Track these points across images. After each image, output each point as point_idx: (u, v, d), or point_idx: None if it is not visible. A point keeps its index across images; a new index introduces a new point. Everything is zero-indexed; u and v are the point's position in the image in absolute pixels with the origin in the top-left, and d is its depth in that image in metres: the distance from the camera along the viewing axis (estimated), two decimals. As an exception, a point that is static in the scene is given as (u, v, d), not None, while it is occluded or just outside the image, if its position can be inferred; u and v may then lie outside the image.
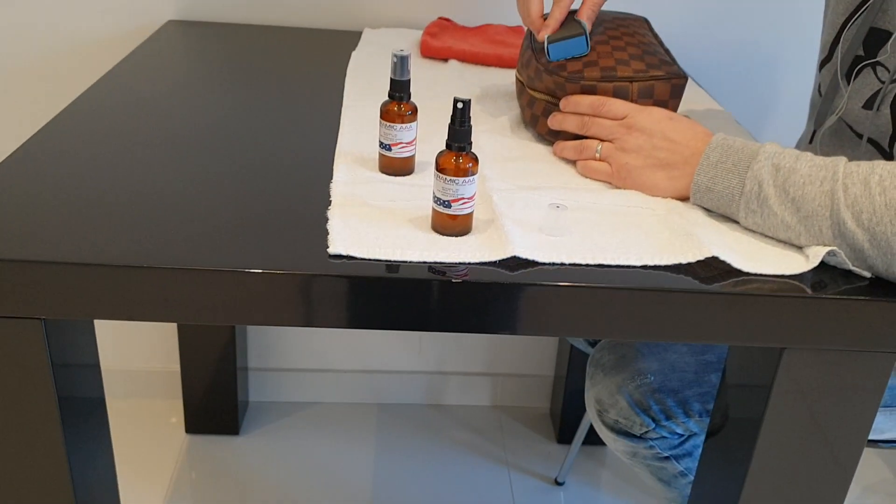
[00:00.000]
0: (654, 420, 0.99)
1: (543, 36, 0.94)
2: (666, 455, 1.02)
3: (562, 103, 0.92)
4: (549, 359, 1.77)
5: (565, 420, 1.68)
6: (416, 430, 1.71)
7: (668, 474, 1.05)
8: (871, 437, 1.02)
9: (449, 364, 1.76)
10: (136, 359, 1.70)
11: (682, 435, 1.01)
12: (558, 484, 1.59)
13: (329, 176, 0.84)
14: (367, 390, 1.76)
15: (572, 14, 0.97)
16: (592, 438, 1.57)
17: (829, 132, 1.00)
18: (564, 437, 1.69)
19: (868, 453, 1.71)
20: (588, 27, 0.95)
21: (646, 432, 1.00)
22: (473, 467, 1.62)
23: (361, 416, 1.73)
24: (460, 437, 1.70)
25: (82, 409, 0.77)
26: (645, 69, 0.90)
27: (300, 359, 1.73)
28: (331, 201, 0.78)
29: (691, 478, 1.03)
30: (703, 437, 1.00)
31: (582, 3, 0.99)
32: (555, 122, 0.92)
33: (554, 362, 1.77)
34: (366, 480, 1.56)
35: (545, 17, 0.97)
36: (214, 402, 1.61)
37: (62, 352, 0.72)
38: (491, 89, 1.15)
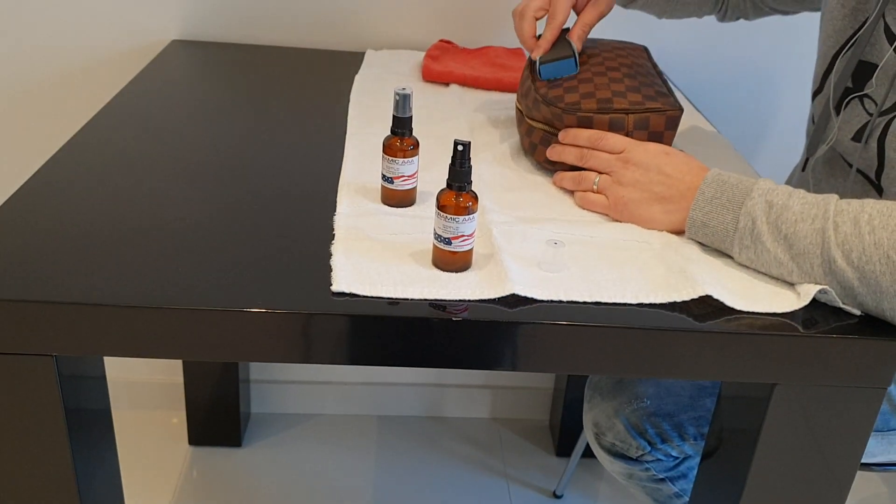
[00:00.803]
0: (649, 443, 1.01)
1: (536, 56, 0.99)
2: (661, 477, 1.04)
3: (560, 135, 0.94)
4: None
5: (564, 433, 1.70)
6: (415, 442, 1.73)
7: (663, 495, 1.06)
8: (863, 460, 1.04)
9: (448, 376, 1.77)
10: (140, 370, 1.72)
11: (678, 458, 1.02)
12: (557, 497, 1.61)
13: (332, 206, 0.85)
14: (368, 402, 1.78)
15: (565, 33, 1.02)
16: (591, 452, 1.59)
17: (822, 161, 1.02)
18: (563, 449, 1.71)
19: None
20: (578, 47, 1.00)
21: (642, 455, 1.02)
22: (473, 480, 1.64)
23: (362, 427, 1.75)
24: (460, 449, 1.72)
25: (88, 421, 0.79)
26: (641, 101, 0.92)
27: (301, 371, 1.75)
28: (334, 235, 0.80)
29: (686, 499, 1.05)
30: (698, 460, 1.02)
31: (574, 24, 1.03)
32: (554, 153, 0.94)
33: (553, 375, 1.79)
34: (366, 492, 1.58)
35: (539, 38, 1.01)
36: (217, 414, 1.63)
37: (70, 367, 0.74)
38: (491, 115, 1.16)
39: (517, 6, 1.04)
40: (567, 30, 1.03)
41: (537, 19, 1.02)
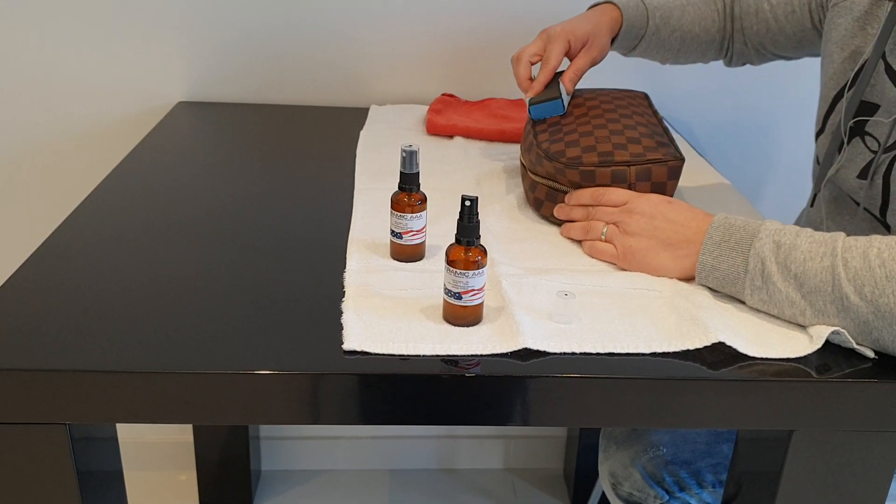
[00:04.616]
0: (667, 492, 0.99)
1: (528, 97, 1.04)
2: (681, 526, 1.02)
3: (566, 198, 0.95)
4: (561, 419, 1.77)
5: (579, 482, 1.68)
6: (429, 495, 1.71)
7: (683, 545, 1.05)
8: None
9: (460, 427, 1.76)
10: (150, 431, 1.71)
11: (697, 506, 1.01)
12: (574, 548, 1.59)
13: (342, 263, 0.86)
14: (380, 456, 1.76)
15: (559, 76, 1.06)
16: (607, 500, 1.57)
17: (828, 199, 1.02)
18: (578, 499, 1.68)
19: None
20: (569, 90, 1.04)
21: (660, 504, 1.00)
22: (488, 533, 1.61)
23: (374, 482, 1.73)
24: (473, 501, 1.69)
25: (101, 483, 0.78)
26: (642, 152, 0.92)
27: (312, 427, 1.73)
28: (344, 292, 0.80)
29: (707, 548, 1.03)
30: (717, 508, 1.00)
31: (567, 68, 1.07)
32: (562, 213, 0.95)
33: (565, 423, 1.77)
34: (381, 549, 1.56)
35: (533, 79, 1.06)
36: (228, 472, 1.62)
37: (82, 431, 0.73)
38: (496, 166, 1.17)
39: (515, 53, 1.09)
40: (561, 73, 1.06)
41: (532, 64, 1.07)
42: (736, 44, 1.20)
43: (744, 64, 1.23)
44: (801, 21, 1.11)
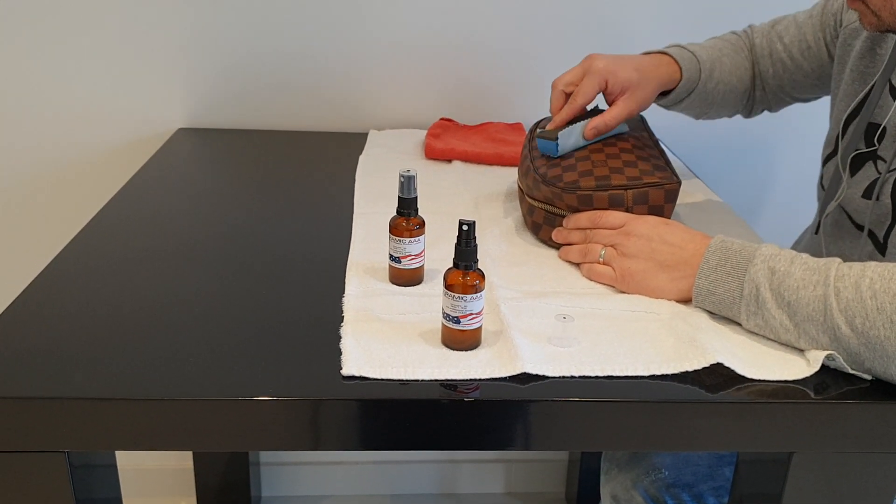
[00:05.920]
0: (669, 515, 0.99)
1: (548, 128, 1.01)
2: (683, 550, 1.02)
3: (564, 221, 0.95)
4: (562, 442, 1.76)
5: (581, 505, 1.67)
6: (430, 520, 1.70)
7: (686, 569, 1.04)
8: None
9: (461, 452, 1.75)
10: (150, 457, 1.70)
11: (699, 530, 1.00)
12: (577, 573, 1.57)
13: (341, 288, 0.86)
14: (380, 481, 1.75)
15: (591, 114, 1.02)
16: (609, 524, 1.56)
17: (831, 223, 1.02)
18: (581, 523, 1.67)
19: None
20: (589, 137, 1.00)
21: (662, 528, 1.00)
22: (490, 558, 1.60)
23: (375, 507, 1.72)
24: (476, 526, 1.69)
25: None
26: (639, 176, 0.93)
27: (312, 452, 1.73)
28: (343, 317, 0.80)
29: (710, 572, 1.03)
30: (720, 532, 1.00)
31: (599, 115, 1.02)
32: (560, 237, 0.96)
33: (567, 446, 1.76)
34: (382, 576, 1.54)
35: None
36: (228, 499, 1.61)
37: (81, 458, 0.73)
38: (494, 190, 1.18)
39: (558, 76, 1.05)
40: (594, 112, 1.03)
41: (567, 94, 1.03)
42: (756, 91, 1.17)
43: (762, 111, 1.21)
44: (818, 56, 1.10)
